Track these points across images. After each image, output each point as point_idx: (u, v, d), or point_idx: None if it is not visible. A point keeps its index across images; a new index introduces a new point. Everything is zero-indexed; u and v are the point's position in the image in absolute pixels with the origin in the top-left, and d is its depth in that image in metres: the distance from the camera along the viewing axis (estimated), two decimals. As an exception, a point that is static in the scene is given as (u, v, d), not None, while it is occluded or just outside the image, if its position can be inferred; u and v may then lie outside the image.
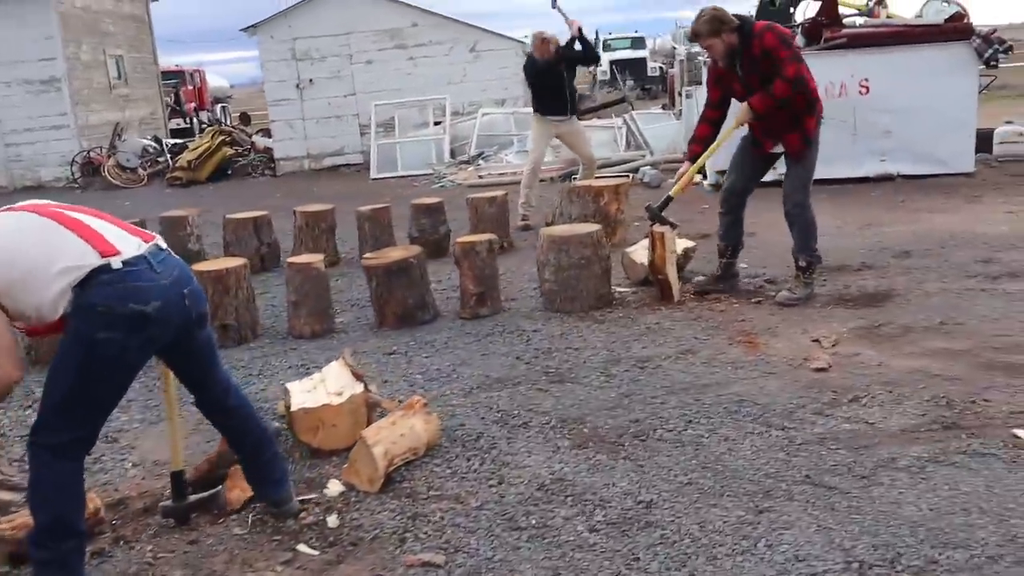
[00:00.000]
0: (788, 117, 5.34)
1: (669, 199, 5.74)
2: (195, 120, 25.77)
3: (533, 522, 3.16)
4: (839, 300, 5.53)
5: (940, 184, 9.23)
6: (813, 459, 3.44)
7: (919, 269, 6.11)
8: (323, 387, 4.06)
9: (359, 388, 3.94)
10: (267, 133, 16.76)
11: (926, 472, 3.27)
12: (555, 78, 8.47)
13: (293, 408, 3.86)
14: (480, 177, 12.37)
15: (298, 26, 15.19)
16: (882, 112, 9.45)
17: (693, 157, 5.68)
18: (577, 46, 8.56)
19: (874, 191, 9.22)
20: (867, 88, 9.45)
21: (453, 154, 13.99)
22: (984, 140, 10.57)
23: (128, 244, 2.83)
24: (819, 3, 10.02)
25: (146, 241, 2.91)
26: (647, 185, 10.75)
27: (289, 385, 4.21)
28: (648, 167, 11.48)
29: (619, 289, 6.14)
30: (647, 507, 3.18)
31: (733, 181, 5.77)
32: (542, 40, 8.42)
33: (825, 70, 9.50)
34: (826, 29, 9.56)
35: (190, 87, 31.19)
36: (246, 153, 16.74)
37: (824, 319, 5.20)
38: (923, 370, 4.26)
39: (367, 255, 6.00)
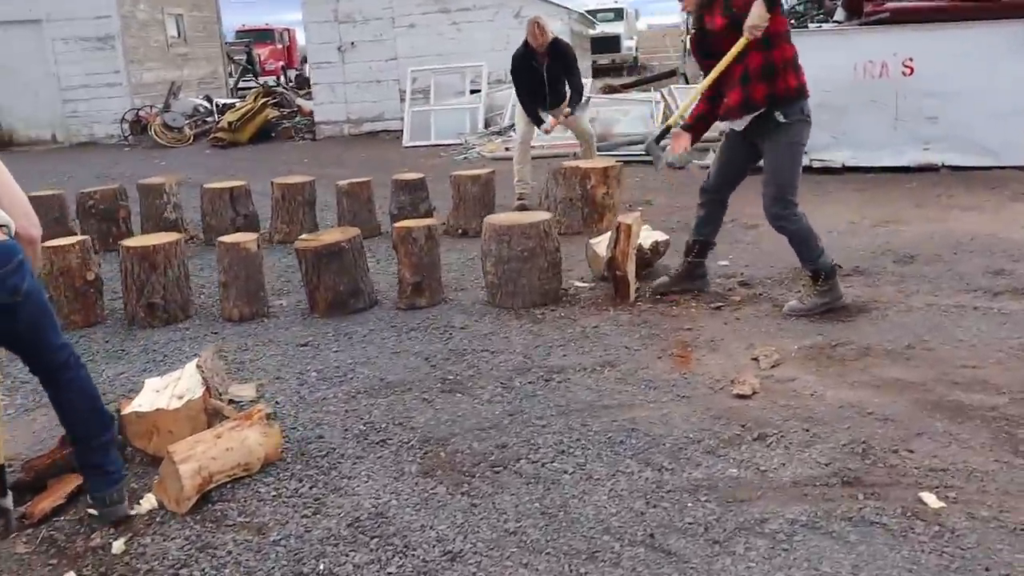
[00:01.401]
0: (740, 72, 4.60)
1: (668, 129, 5.12)
2: (281, 79, 25.51)
3: (320, 568, 2.75)
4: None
5: (988, 178, 8.34)
6: (672, 513, 2.93)
7: (915, 278, 5.41)
8: (173, 387, 3.72)
9: (200, 392, 3.59)
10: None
11: (792, 541, 2.72)
12: (538, 75, 7.69)
13: (125, 411, 3.53)
14: (507, 149, 11.84)
15: (342, -13, 14.85)
16: (928, 96, 8.56)
17: (686, 126, 5.02)
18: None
19: (911, 182, 8.39)
20: (912, 69, 8.57)
21: (487, 124, 13.49)
22: (1051, 129, 9.55)
23: None
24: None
25: None
26: (671, 165, 10.03)
27: (148, 381, 3.91)
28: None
29: (577, 284, 5.64)
30: (451, 560, 2.74)
31: (711, 173, 5.14)
32: (538, 26, 7.45)
33: (865, 48, 8.76)
34: (868, 3, 8.70)
35: (279, 46, 31.50)
36: (292, 115, 16.59)
37: (780, 332, 4.60)
38: (858, 405, 3.67)
39: (302, 237, 5.63)
